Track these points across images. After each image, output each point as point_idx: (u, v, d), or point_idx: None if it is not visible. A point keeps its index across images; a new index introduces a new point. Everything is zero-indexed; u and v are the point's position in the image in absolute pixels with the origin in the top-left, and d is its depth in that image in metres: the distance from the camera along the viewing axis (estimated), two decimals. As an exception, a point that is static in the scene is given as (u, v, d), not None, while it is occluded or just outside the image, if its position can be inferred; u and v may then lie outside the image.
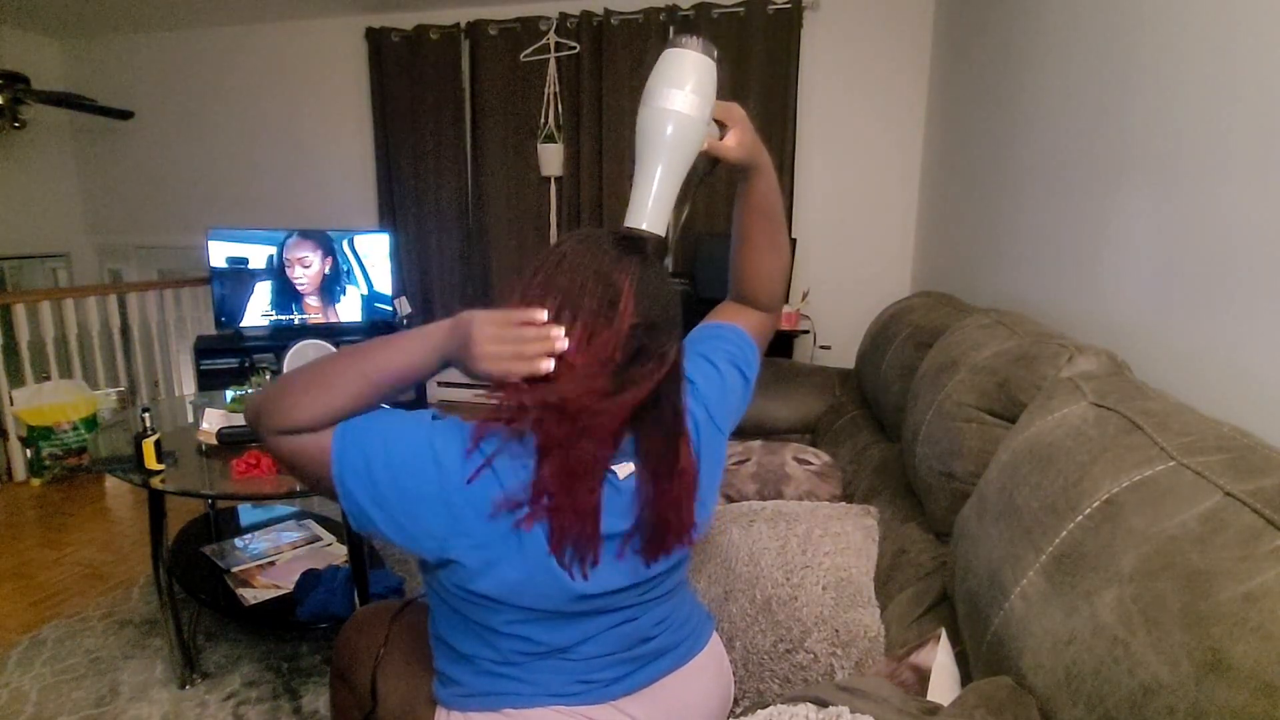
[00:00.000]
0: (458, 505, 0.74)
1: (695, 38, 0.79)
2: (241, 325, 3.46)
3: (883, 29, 3.03)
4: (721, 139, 0.85)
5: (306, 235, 3.51)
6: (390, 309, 3.62)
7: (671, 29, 3.20)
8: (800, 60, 3.08)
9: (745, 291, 1.01)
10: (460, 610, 0.83)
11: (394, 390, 0.78)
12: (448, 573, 0.79)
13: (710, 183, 0.90)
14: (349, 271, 3.57)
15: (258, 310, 3.48)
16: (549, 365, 0.72)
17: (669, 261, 0.95)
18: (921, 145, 3.06)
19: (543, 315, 0.74)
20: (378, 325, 3.61)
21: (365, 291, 3.61)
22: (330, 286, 3.57)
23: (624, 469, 0.82)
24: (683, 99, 0.77)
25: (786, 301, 2.98)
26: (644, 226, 0.78)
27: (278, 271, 3.48)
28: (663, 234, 0.80)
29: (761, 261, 0.98)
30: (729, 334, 0.99)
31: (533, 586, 0.78)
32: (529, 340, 0.72)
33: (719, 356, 0.96)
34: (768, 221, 0.94)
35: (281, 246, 3.47)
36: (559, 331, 0.73)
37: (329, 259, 3.53)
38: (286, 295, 3.51)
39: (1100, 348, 1.11)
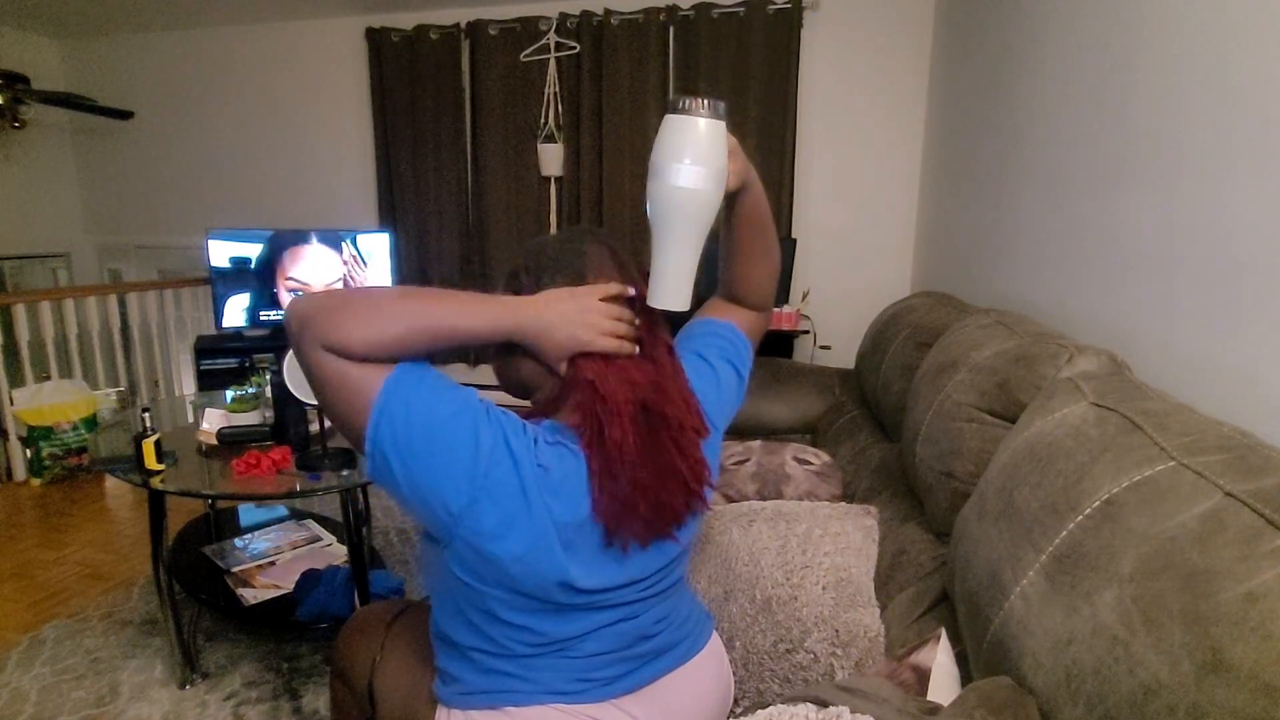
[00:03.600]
0: (480, 490, 0.74)
1: (701, 100, 0.72)
2: (225, 325, 3.44)
3: (883, 29, 3.03)
4: None
5: (299, 241, 3.45)
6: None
7: (672, 28, 3.20)
8: (800, 60, 3.08)
9: (737, 295, 1.02)
10: (461, 597, 0.83)
11: (446, 346, 0.76)
12: (450, 551, 0.79)
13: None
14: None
15: (237, 312, 3.45)
16: (635, 348, 0.81)
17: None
18: (922, 145, 3.06)
19: (630, 291, 0.82)
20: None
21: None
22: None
23: None
24: (698, 175, 0.72)
25: (787, 301, 2.98)
26: (673, 307, 0.78)
27: (262, 278, 3.43)
28: (686, 308, 0.80)
29: (754, 270, 0.98)
30: (722, 330, 1.00)
31: (531, 573, 0.79)
32: (622, 321, 0.81)
33: (712, 353, 0.97)
34: (759, 232, 0.94)
35: (276, 249, 3.43)
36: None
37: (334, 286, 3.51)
38: (270, 303, 3.48)
39: (1100, 348, 1.11)
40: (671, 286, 0.77)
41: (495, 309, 0.77)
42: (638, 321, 0.82)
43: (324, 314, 0.71)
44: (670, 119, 0.73)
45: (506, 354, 0.86)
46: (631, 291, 0.81)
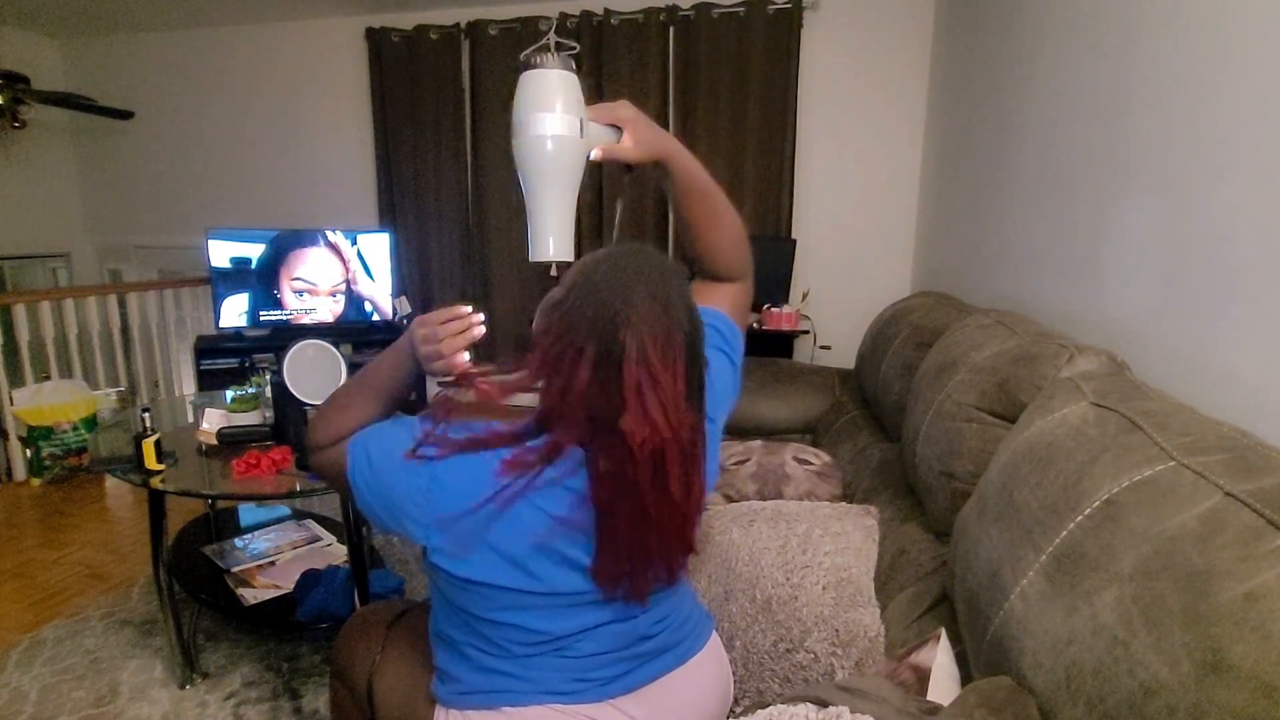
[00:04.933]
0: (434, 500, 0.78)
1: (550, 54, 0.76)
2: (223, 326, 3.44)
3: (883, 29, 3.03)
4: (619, 141, 0.84)
5: (303, 242, 3.46)
6: (391, 309, 3.62)
7: (672, 28, 3.20)
8: (800, 60, 3.08)
9: (709, 269, 0.98)
10: (455, 600, 0.84)
11: (394, 400, 0.87)
12: (437, 558, 0.80)
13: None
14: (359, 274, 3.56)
15: (235, 309, 3.45)
16: (464, 359, 0.80)
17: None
18: (922, 145, 3.06)
19: (466, 310, 0.80)
20: (377, 326, 3.61)
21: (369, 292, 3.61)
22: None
23: None
24: (554, 121, 0.75)
25: (787, 301, 2.98)
26: (550, 257, 0.79)
27: (262, 275, 3.43)
28: (571, 257, 0.80)
29: (711, 237, 0.95)
30: (710, 319, 0.95)
31: (508, 570, 0.80)
32: (451, 334, 0.81)
33: (705, 344, 0.94)
34: (700, 198, 0.92)
35: (280, 249, 3.44)
36: (479, 317, 0.80)
37: (337, 290, 3.52)
38: (268, 302, 3.48)
39: (1100, 348, 1.11)
40: (555, 237, 0.79)
41: (395, 354, 0.88)
42: (477, 322, 0.82)
43: (312, 430, 0.90)
44: (526, 75, 0.76)
45: None
46: (468, 310, 0.82)
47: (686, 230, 0.95)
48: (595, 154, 0.82)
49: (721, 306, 0.97)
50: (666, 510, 0.77)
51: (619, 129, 0.84)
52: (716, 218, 0.94)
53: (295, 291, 3.47)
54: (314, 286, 3.51)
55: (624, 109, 0.84)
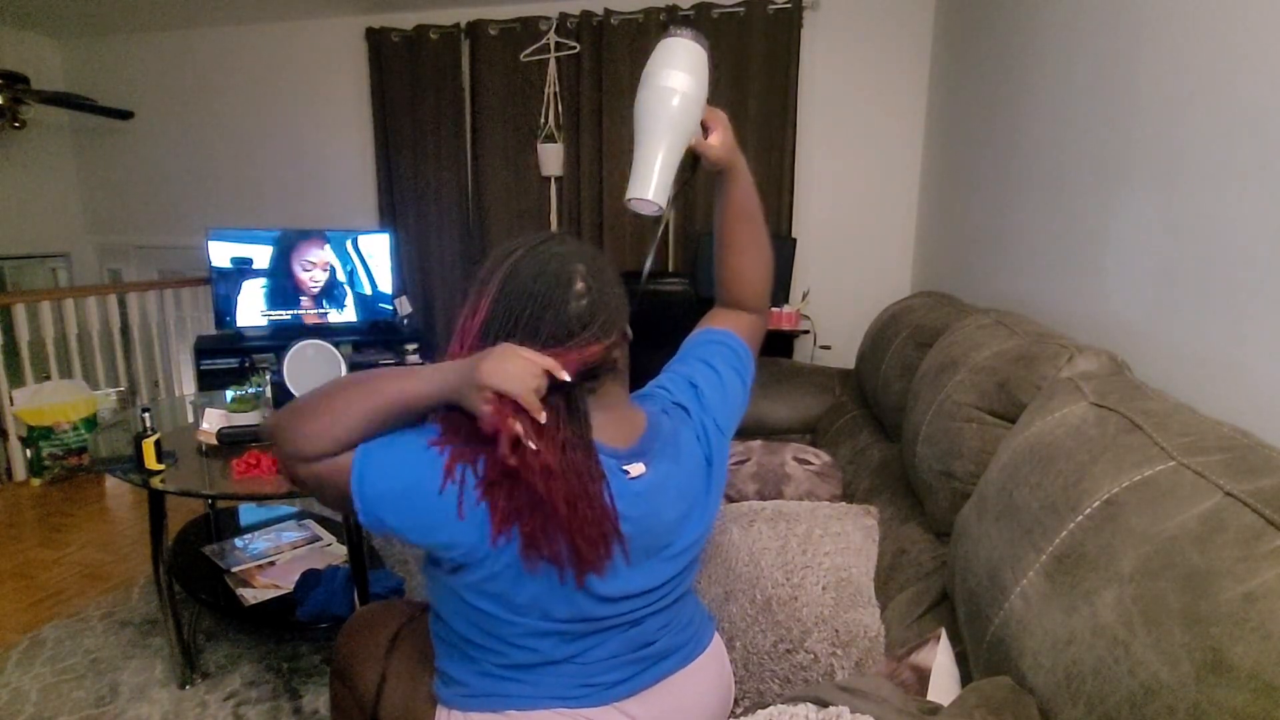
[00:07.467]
0: (466, 529, 0.76)
1: (689, 29, 0.88)
2: (239, 325, 3.45)
3: (883, 29, 3.03)
4: (705, 139, 0.91)
5: (308, 236, 3.50)
6: (390, 308, 3.62)
7: (671, 28, 3.20)
8: (800, 60, 3.08)
9: (733, 295, 1.03)
10: (472, 618, 0.83)
11: (398, 421, 0.78)
12: (463, 579, 0.79)
13: (707, 182, 0.95)
14: (352, 273, 3.57)
15: (252, 309, 3.46)
16: (544, 417, 0.74)
17: (653, 258, 1.04)
18: (922, 145, 3.06)
19: (566, 376, 0.76)
20: (379, 325, 3.61)
21: (370, 292, 3.61)
22: (330, 290, 3.57)
23: (635, 468, 0.83)
24: (683, 79, 0.85)
25: (787, 301, 2.98)
26: (649, 197, 0.83)
27: (274, 271, 3.46)
28: (664, 206, 0.85)
29: (746, 263, 1.00)
30: (725, 339, 1.01)
31: (549, 601, 0.80)
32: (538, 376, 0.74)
33: (718, 361, 0.98)
34: (749, 223, 0.97)
35: (286, 247, 3.46)
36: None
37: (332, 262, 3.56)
38: (282, 295, 3.50)
39: (1100, 348, 1.11)
40: (653, 179, 0.84)
41: (439, 374, 0.77)
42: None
43: (289, 429, 0.76)
44: (664, 41, 0.89)
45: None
46: (567, 377, 0.76)
47: (724, 250, 1.00)
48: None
49: (737, 331, 1.02)
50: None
51: (706, 128, 0.91)
52: (757, 244, 1.00)
53: (305, 271, 3.54)
54: (313, 264, 3.57)
55: (720, 113, 0.91)
